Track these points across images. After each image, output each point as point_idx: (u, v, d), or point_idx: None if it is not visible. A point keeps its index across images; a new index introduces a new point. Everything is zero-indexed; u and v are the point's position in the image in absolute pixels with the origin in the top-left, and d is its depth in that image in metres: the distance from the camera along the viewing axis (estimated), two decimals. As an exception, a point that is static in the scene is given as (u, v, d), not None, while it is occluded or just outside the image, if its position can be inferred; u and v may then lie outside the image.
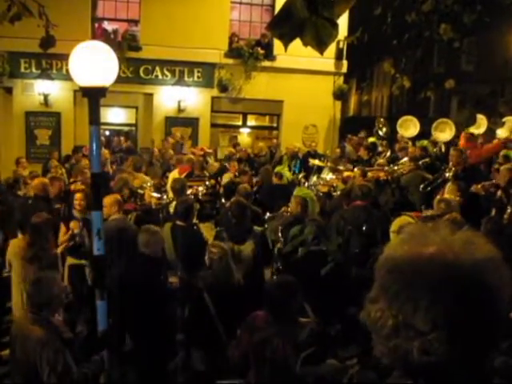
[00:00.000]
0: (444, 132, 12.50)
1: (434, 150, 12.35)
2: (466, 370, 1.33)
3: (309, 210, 7.52)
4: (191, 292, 5.78)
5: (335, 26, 2.55)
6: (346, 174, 10.31)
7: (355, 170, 10.62)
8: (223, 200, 9.61)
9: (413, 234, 1.43)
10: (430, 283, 1.30)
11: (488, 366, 1.38)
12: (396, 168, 10.36)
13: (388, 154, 12.95)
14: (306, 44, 2.56)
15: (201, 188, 9.31)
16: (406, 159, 10.91)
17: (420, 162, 10.39)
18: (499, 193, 8.09)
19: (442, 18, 7.60)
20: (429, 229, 1.42)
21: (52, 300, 4.45)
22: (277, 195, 9.55)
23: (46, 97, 16.44)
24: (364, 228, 7.02)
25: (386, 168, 10.31)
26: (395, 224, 6.76)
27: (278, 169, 11.97)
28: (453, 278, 1.30)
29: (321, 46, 2.56)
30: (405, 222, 6.53)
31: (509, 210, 7.32)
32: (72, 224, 7.17)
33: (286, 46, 2.58)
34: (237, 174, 11.32)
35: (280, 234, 7.22)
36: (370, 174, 10.24)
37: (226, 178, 11.01)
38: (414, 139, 13.50)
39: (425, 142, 12.60)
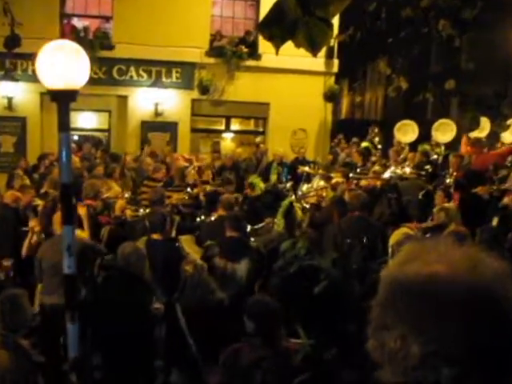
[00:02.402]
0: (445, 134, 12.61)
1: (435, 154, 12.44)
2: None
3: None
4: (168, 313, 5.73)
5: (330, 26, 2.56)
6: (334, 180, 10.34)
7: (335, 173, 10.62)
8: (203, 212, 9.60)
9: (418, 251, 1.41)
10: (456, 308, 1.29)
11: None
12: (394, 176, 10.38)
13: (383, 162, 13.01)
14: (298, 45, 2.56)
15: (181, 196, 9.29)
16: (406, 169, 10.94)
17: (423, 172, 10.42)
18: (506, 200, 8.14)
19: (441, 13, 7.67)
20: (434, 245, 1.41)
21: (27, 321, 4.40)
22: (260, 206, 9.57)
23: (9, 100, 16.31)
24: (364, 241, 7.03)
25: (384, 175, 10.35)
26: (395, 236, 6.79)
27: (251, 179, 11.99)
28: (479, 299, 1.29)
29: (314, 48, 2.56)
30: (404, 234, 6.55)
31: None
32: (32, 222, 7.13)
33: (277, 48, 2.58)
34: (211, 183, 11.30)
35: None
36: (364, 182, 10.27)
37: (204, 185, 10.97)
38: (412, 145, 13.59)
39: (427, 147, 12.69)
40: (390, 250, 7.00)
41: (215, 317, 5.47)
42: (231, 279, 6.39)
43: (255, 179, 11.89)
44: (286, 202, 9.19)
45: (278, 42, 2.59)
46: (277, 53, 2.64)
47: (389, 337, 1.34)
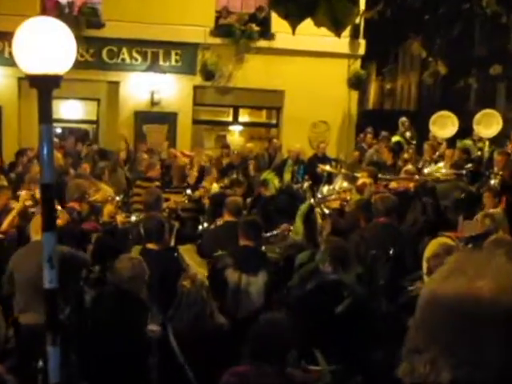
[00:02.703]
0: (490, 127, 12.55)
1: (478, 151, 12.40)
2: None
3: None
4: (162, 336, 5.74)
5: (355, 1, 2.56)
6: (360, 181, 10.32)
7: (361, 172, 10.58)
8: (207, 218, 9.63)
9: (461, 265, 1.41)
10: (496, 330, 1.30)
11: None
12: (429, 173, 10.33)
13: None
14: (318, 24, 2.56)
15: (181, 199, 9.30)
16: (441, 164, 10.92)
17: (463, 171, 10.37)
18: None
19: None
20: (482, 257, 1.41)
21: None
22: (273, 210, 9.56)
23: (-18, 87, 16.42)
24: (391, 252, 7.00)
25: (417, 177, 10.29)
26: (431, 247, 6.74)
27: (264, 175, 11.97)
28: None
29: (337, 27, 2.56)
30: (443, 244, 6.50)
31: None
32: (23, 193, 7.18)
33: (293, 28, 2.58)
34: (215, 184, 11.30)
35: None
36: (394, 184, 10.24)
37: (209, 186, 10.98)
38: (451, 140, 13.54)
39: (468, 143, 12.64)
40: (424, 263, 6.96)
41: (212, 343, 5.47)
42: (246, 294, 6.38)
43: (269, 175, 11.87)
44: (305, 206, 9.15)
45: (294, 20, 2.59)
46: (293, 33, 2.64)
47: (419, 361, 1.37)
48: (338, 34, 2.66)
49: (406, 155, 13.86)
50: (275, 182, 11.50)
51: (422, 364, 1.36)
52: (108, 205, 8.88)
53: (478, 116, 12.95)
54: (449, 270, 1.43)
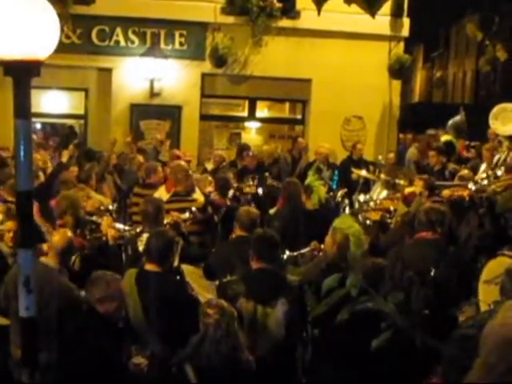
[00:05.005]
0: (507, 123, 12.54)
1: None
2: None
3: (349, 252, 7.52)
4: (169, 378, 5.75)
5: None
6: (408, 189, 10.29)
7: (416, 181, 10.55)
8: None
9: None
10: None
11: None
12: (487, 183, 10.29)
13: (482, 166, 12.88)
14: (349, 2, 2.56)
15: (185, 215, 9.29)
16: (500, 172, 10.86)
17: None
18: None
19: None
20: None
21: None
22: (306, 224, 9.56)
23: None
24: (432, 274, 6.97)
25: (471, 185, 10.23)
26: (489, 269, 6.72)
27: (309, 180, 11.89)
28: None
29: (372, 5, 2.56)
30: (505, 266, 6.45)
31: None
32: None
33: (319, 6, 2.58)
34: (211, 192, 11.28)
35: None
36: (446, 193, 10.21)
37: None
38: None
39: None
40: (481, 287, 6.93)
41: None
42: (263, 329, 6.39)
43: (315, 181, 11.71)
44: (340, 220, 9.14)
45: None
46: (319, 13, 2.63)
47: None
48: (373, 12, 2.64)
49: (470, 154, 13.77)
50: (321, 192, 11.33)
51: None
52: (106, 218, 8.89)
53: (495, 110, 12.95)
54: None
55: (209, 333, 5.63)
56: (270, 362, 5.94)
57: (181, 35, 17.38)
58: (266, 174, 13.71)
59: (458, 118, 16.55)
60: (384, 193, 11.37)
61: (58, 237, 7.04)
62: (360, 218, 10.02)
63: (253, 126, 19.91)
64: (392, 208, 10.19)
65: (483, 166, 11.95)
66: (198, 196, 10.35)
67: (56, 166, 12.06)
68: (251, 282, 6.75)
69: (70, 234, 7.24)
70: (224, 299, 6.59)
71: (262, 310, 6.51)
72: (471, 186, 10.23)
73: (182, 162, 11.49)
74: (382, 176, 12.63)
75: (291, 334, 6.65)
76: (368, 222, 10.03)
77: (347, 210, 10.91)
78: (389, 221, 9.92)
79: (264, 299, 6.59)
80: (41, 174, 11.85)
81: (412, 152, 16.31)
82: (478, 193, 10.07)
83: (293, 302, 6.67)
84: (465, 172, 11.31)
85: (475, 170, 11.94)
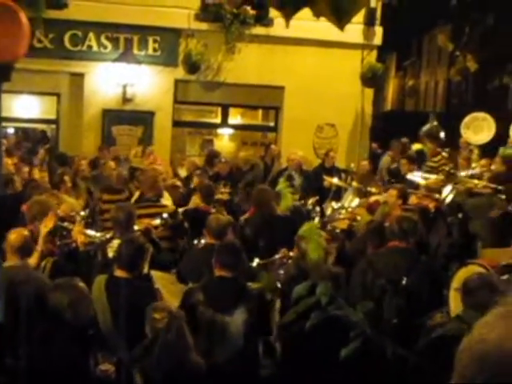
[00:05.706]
0: (478, 133, 12.67)
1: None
2: None
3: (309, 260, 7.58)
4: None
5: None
6: (373, 198, 10.36)
7: (390, 190, 10.59)
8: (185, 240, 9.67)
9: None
10: None
11: None
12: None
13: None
14: (317, 14, 2.59)
15: (156, 221, 9.30)
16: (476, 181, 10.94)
17: (503, 187, 10.37)
18: None
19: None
20: None
21: None
22: (277, 231, 9.59)
23: None
24: (404, 283, 7.03)
25: (438, 196, 10.32)
26: (459, 278, 6.76)
27: (280, 186, 11.90)
28: None
29: (341, 18, 2.58)
30: (479, 275, 6.50)
31: None
32: None
33: (288, 18, 2.62)
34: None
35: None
36: (414, 200, 10.28)
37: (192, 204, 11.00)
38: (486, 147, 13.61)
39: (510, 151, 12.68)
40: (452, 295, 6.97)
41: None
42: (222, 337, 6.42)
43: (285, 188, 11.67)
44: (307, 227, 9.19)
45: (289, 10, 2.61)
46: (287, 25, 2.68)
47: None
48: (341, 26, 2.66)
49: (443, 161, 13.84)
50: (288, 200, 11.30)
51: None
52: (78, 224, 8.87)
53: (466, 119, 13.09)
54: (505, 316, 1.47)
55: (159, 337, 5.68)
56: (227, 369, 5.96)
57: (154, 41, 17.38)
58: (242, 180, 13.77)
59: (428, 125, 16.65)
60: (356, 201, 11.41)
61: (15, 235, 7.06)
62: (329, 226, 10.07)
63: (226, 132, 19.93)
64: (358, 217, 10.24)
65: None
66: (167, 201, 10.40)
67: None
68: (211, 289, 6.77)
69: (26, 232, 7.27)
70: (184, 308, 6.63)
71: (221, 318, 6.54)
72: (438, 197, 10.33)
73: (157, 167, 11.51)
74: (354, 184, 12.68)
75: (250, 342, 6.70)
76: (337, 230, 10.08)
77: (317, 218, 10.92)
78: (355, 230, 9.97)
79: (223, 307, 6.61)
80: (16, 178, 11.83)
81: (386, 159, 16.40)
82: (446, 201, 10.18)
83: (252, 311, 6.71)
84: (431, 180, 11.32)
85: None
